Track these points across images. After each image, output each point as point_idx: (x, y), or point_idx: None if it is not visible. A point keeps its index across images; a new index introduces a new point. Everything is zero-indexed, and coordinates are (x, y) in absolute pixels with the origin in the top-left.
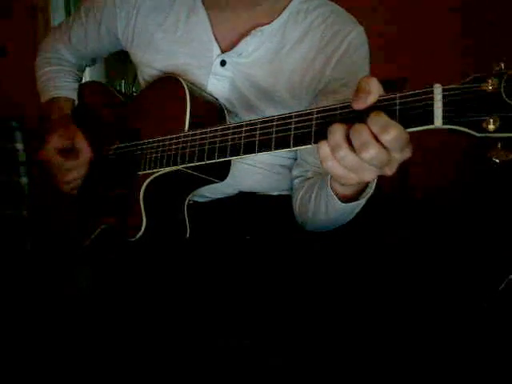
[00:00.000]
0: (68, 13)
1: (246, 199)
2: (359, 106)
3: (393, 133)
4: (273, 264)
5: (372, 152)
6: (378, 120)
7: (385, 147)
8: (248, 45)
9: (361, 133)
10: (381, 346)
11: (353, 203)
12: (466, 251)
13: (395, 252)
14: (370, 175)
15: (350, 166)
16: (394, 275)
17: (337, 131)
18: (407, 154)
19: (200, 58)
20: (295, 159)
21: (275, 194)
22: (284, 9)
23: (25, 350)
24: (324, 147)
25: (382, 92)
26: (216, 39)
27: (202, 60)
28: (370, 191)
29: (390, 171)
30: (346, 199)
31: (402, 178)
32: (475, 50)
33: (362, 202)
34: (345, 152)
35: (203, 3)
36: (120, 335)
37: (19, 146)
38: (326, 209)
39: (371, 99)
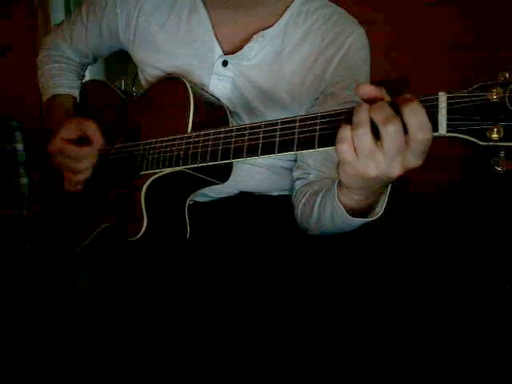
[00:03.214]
0: (68, 13)
1: (247, 199)
2: (362, 86)
3: (420, 115)
4: (273, 264)
5: (397, 125)
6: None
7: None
8: (251, 50)
9: (384, 108)
10: (378, 346)
11: (360, 219)
12: (470, 252)
13: (395, 252)
14: (375, 168)
15: (362, 149)
16: (393, 276)
17: (363, 110)
18: (420, 160)
19: (202, 58)
20: (295, 161)
21: (275, 194)
22: (285, 10)
23: (23, 350)
24: (345, 128)
25: (387, 97)
26: (217, 39)
27: (203, 60)
28: (379, 211)
29: (396, 169)
30: (352, 213)
31: (401, 181)
32: (475, 49)
33: (369, 220)
34: (365, 131)
35: (204, 3)
36: (118, 334)
37: (19, 146)
38: (331, 217)
39: (375, 88)
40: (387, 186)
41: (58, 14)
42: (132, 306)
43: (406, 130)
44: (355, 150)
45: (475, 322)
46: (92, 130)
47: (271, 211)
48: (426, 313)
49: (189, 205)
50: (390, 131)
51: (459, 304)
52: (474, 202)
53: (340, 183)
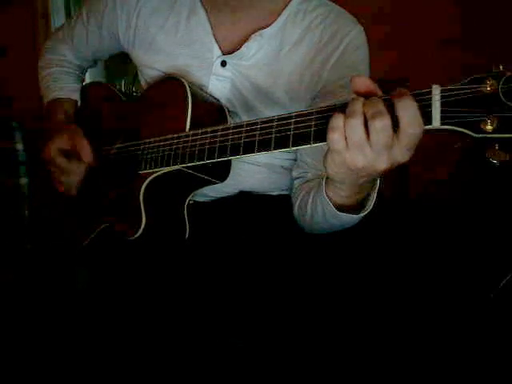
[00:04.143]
0: (68, 14)
1: (247, 199)
2: (355, 78)
3: (412, 109)
4: (273, 264)
5: (385, 121)
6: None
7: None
8: (249, 49)
9: (376, 103)
10: (377, 342)
11: (349, 215)
12: (467, 250)
13: (394, 252)
14: (362, 160)
15: (353, 139)
16: (393, 275)
17: (358, 101)
18: (407, 156)
19: (201, 58)
20: (295, 160)
21: (275, 193)
22: (283, 9)
23: (23, 350)
24: (338, 117)
25: (379, 92)
26: (216, 40)
27: (202, 61)
28: (370, 204)
29: (383, 163)
30: (342, 210)
31: (402, 177)
32: (475, 48)
33: (359, 216)
34: (357, 121)
35: (202, 4)
36: (118, 334)
37: (19, 146)
38: (323, 214)
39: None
40: (374, 182)
41: (57, 14)
42: (132, 306)
43: (397, 124)
44: (346, 140)
45: (473, 318)
46: (83, 147)
47: (271, 211)
48: (425, 311)
49: (189, 204)
50: (377, 126)
51: (458, 301)
52: (473, 198)
53: (327, 179)
